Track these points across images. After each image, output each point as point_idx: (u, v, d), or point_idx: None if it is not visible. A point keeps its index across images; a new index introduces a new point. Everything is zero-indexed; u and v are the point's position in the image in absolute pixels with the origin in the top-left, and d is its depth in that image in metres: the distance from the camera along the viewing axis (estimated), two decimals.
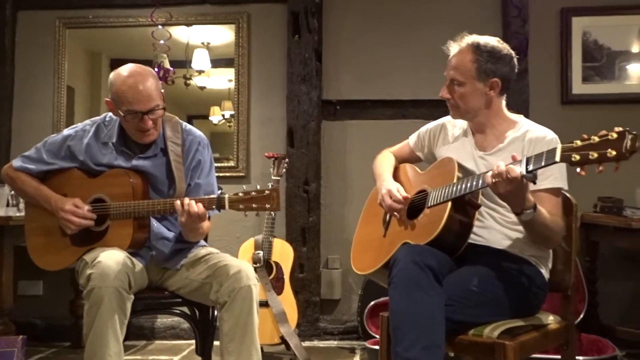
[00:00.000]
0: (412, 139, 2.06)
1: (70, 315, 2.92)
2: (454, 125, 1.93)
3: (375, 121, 3.11)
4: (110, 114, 1.98)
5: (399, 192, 1.81)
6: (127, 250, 1.85)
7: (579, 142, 1.32)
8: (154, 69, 3.10)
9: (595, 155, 1.28)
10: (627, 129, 1.27)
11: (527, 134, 1.73)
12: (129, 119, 1.86)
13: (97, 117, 2.05)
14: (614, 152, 1.26)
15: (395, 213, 1.81)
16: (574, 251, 1.74)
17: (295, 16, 3.09)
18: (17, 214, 2.41)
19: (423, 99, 2.99)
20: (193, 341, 2.98)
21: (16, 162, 1.99)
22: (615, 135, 1.27)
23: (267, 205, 1.73)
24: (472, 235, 1.70)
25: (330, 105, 3.16)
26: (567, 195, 1.77)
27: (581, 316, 2.70)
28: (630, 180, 2.74)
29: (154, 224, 1.94)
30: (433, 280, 1.51)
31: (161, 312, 1.90)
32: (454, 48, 1.81)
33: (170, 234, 1.97)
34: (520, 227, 1.64)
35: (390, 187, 1.84)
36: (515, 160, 1.46)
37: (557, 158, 1.35)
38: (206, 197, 1.82)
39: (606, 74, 3.01)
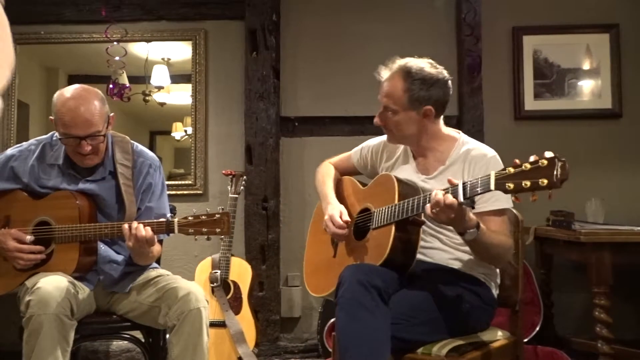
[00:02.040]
0: (355, 157, 2.04)
1: (20, 340, 2.80)
2: (395, 144, 1.91)
3: (334, 137, 3.11)
4: (58, 138, 1.92)
5: (342, 216, 1.79)
6: (72, 274, 1.79)
7: (511, 169, 1.33)
8: (109, 86, 3.10)
9: (528, 184, 1.29)
10: (557, 155, 1.28)
11: (467, 154, 1.73)
12: (66, 142, 1.82)
13: (43, 136, 1.98)
14: (545, 181, 1.26)
15: (340, 238, 1.80)
16: (521, 267, 1.77)
17: (253, 33, 3.09)
18: None
19: None
20: None
21: None
22: (545, 162, 1.28)
23: (218, 230, 1.71)
24: (421, 255, 1.71)
25: (288, 122, 3.15)
26: (514, 211, 1.80)
27: (537, 328, 2.75)
28: (581, 194, 2.83)
29: (102, 247, 1.89)
30: (379, 299, 1.50)
31: (109, 336, 1.84)
32: (385, 73, 1.78)
33: (119, 257, 1.93)
34: (467, 247, 1.65)
35: (332, 212, 1.81)
36: (452, 185, 1.46)
37: (492, 186, 1.35)
38: (155, 220, 1.78)
39: (556, 90, 3.10)
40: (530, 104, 3.09)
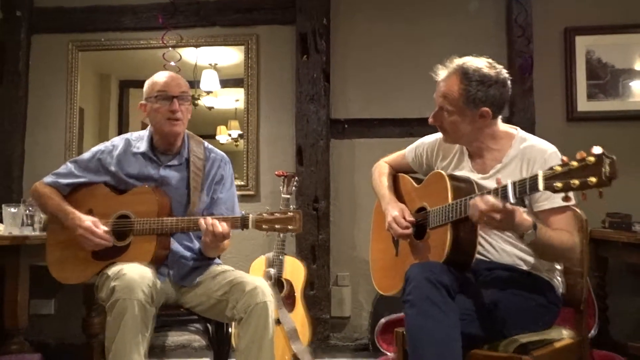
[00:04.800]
0: (409, 155, 2.03)
1: (82, 334, 2.93)
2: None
3: (383, 139, 3.14)
4: (138, 133, 2.09)
5: (405, 217, 1.79)
6: (147, 266, 1.86)
7: (559, 168, 1.29)
8: None
9: (577, 182, 1.25)
10: (604, 152, 1.24)
11: (525, 150, 1.69)
12: (160, 102, 1.97)
13: (125, 134, 2.14)
14: (594, 180, 1.23)
15: (405, 238, 1.81)
16: (586, 266, 1.76)
17: (304, 37, 3.16)
18: (33, 233, 2.44)
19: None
20: (204, 359, 3.00)
21: (47, 178, 2.06)
22: (592, 160, 1.24)
23: (290, 227, 1.78)
24: (483, 253, 1.72)
25: (338, 124, 3.20)
26: (578, 211, 1.79)
27: (592, 332, 2.71)
28: (638, 195, 2.77)
29: (173, 242, 1.98)
30: (447, 296, 1.51)
31: (177, 329, 1.91)
32: (442, 72, 1.75)
33: (188, 253, 2.01)
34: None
35: (395, 214, 1.80)
36: (500, 185, 1.44)
37: (541, 187, 1.33)
38: (230, 216, 1.87)
39: (610, 91, 3.06)
40: (583, 105, 3.05)
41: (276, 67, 3.25)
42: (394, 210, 1.82)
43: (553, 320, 1.72)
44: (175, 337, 3.10)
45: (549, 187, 1.31)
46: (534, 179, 1.35)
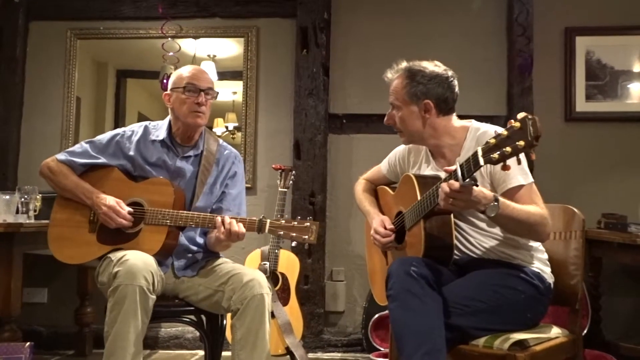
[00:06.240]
0: (384, 168, 2.11)
1: (75, 323, 2.93)
2: (417, 149, 1.95)
3: (381, 135, 3.12)
4: (156, 122, 2.10)
5: (385, 226, 1.87)
6: (154, 256, 1.85)
7: (493, 140, 1.35)
8: (162, 80, 3.20)
9: (509, 150, 1.31)
10: (527, 115, 1.30)
11: (479, 138, 1.73)
12: (188, 94, 1.97)
13: (143, 122, 2.13)
14: (522, 143, 1.29)
15: (390, 246, 1.86)
16: (582, 266, 1.77)
17: (304, 31, 3.15)
18: (27, 221, 2.42)
19: None
20: (197, 351, 3.01)
21: (60, 156, 2.03)
22: (518, 125, 1.31)
23: (305, 237, 1.79)
24: (466, 251, 1.74)
25: (336, 119, 3.20)
26: (575, 210, 1.81)
27: (584, 331, 2.72)
28: (633, 196, 2.78)
29: (181, 235, 1.98)
30: (427, 287, 1.54)
31: (170, 320, 1.90)
32: (390, 74, 1.87)
33: (194, 247, 2.02)
34: (511, 236, 1.68)
35: (375, 226, 1.89)
36: (449, 172, 1.49)
37: (482, 162, 1.38)
38: (247, 218, 1.86)
39: (609, 92, 3.07)
40: (582, 105, 3.06)
41: (275, 61, 3.24)
42: (375, 223, 1.91)
43: (544, 312, 1.73)
44: (168, 329, 3.10)
45: (488, 160, 1.36)
46: (474, 155, 1.40)
